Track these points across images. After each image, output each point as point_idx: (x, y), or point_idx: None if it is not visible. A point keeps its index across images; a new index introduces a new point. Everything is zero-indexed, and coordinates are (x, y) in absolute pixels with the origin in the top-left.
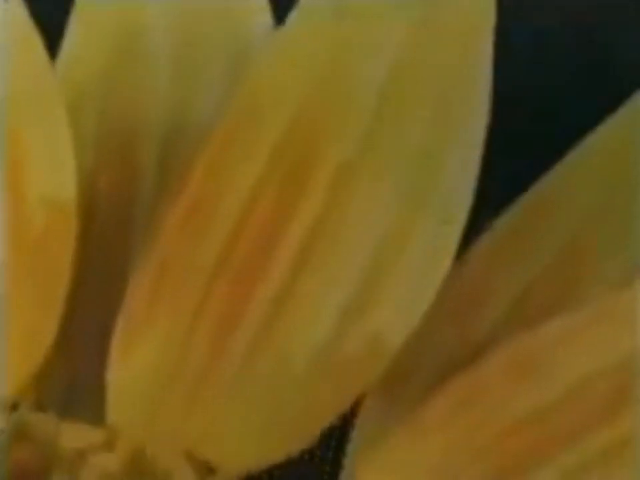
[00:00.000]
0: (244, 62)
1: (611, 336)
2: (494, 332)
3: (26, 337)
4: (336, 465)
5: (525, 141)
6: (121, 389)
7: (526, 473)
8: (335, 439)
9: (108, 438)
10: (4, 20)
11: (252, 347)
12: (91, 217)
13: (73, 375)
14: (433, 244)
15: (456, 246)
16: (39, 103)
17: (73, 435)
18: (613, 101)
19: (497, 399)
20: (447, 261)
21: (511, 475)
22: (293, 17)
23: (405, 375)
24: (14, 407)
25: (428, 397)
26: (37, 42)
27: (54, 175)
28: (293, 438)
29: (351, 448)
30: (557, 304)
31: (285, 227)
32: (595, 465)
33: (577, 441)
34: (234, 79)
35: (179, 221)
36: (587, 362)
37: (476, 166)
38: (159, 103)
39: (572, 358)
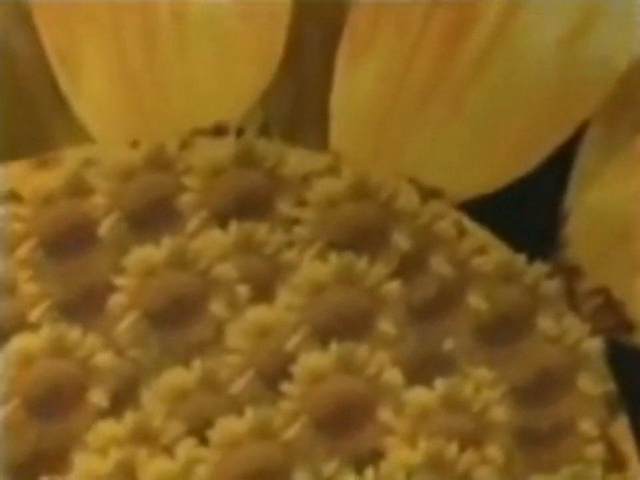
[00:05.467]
0: None
1: None
2: None
3: (251, 60)
4: (560, 190)
5: None
6: (344, 114)
7: None
8: (559, 167)
9: (332, 163)
10: None
11: (473, 70)
12: None
13: (297, 100)
14: None
15: None
16: None
17: (298, 161)
18: None
19: None
20: None
21: None
22: None
23: (627, 104)
24: (239, 132)
25: None
26: None
27: None
28: (516, 162)
29: (574, 174)
30: None
31: None
32: None
33: None
34: None
35: None
36: None
37: None
38: None
39: None
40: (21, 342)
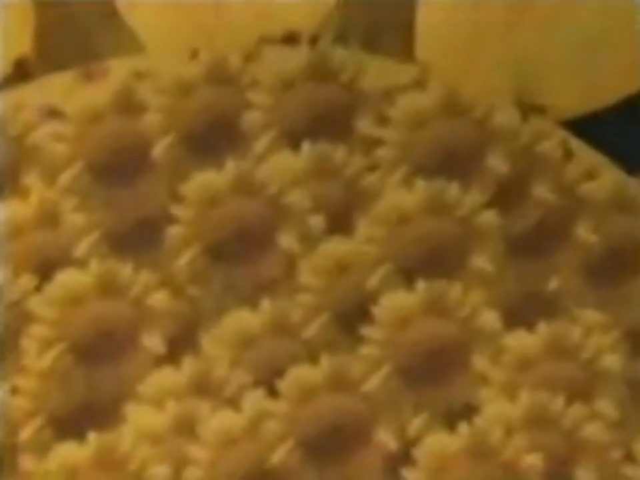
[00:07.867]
0: None
1: None
2: None
3: None
4: None
5: None
6: (432, 20)
7: None
8: None
9: (419, 75)
10: None
11: None
12: None
13: (379, 4)
14: None
15: None
16: None
17: (379, 72)
18: None
19: None
20: None
21: None
22: None
23: None
24: (313, 40)
25: None
26: None
27: None
28: (620, 81)
29: None
30: None
31: None
32: None
33: None
34: None
35: None
36: None
37: None
38: None
39: None
40: (66, 279)
